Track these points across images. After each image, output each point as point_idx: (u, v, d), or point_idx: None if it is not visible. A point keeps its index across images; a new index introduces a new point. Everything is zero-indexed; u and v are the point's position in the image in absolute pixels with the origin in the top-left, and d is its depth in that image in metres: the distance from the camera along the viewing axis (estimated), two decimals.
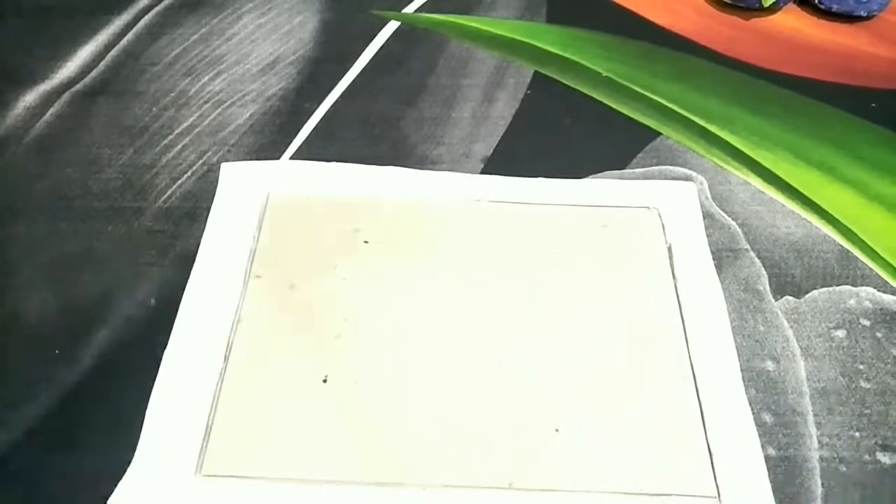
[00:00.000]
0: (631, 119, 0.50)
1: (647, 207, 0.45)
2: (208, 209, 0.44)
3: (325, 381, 0.37)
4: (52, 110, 0.51)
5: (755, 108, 0.51)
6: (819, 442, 0.37)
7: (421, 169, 0.47)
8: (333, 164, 0.47)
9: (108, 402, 0.37)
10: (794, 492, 0.35)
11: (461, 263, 0.42)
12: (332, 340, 0.39)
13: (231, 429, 0.36)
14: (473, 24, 0.57)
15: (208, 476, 0.34)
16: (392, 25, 0.57)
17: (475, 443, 0.36)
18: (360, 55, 0.55)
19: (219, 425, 0.36)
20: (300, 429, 0.36)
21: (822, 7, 0.57)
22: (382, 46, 0.56)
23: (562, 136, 0.49)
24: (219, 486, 0.34)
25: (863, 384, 0.39)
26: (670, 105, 0.51)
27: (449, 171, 0.47)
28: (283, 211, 0.44)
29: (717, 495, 0.34)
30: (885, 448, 0.36)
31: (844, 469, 0.36)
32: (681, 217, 0.45)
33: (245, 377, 0.37)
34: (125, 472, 0.34)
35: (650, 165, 0.48)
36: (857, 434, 0.37)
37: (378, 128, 0.50)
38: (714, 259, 0.43)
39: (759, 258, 0.43)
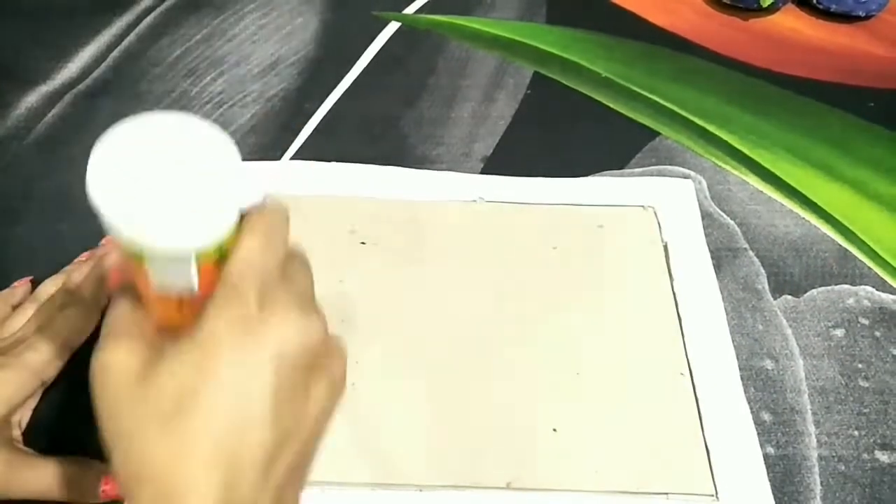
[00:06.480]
0: (630, 119, 0.51)
1: (643, 206, 0.45)
2: None
3: None
4: (53, 111, 0.51)
5: (754, 108, 0.51)
6: (818, 440, 0.37)
7: (420, 169, 0.47)
8: (333, 163, 0.47)
9: None
10: (792, 490, 0.35)
11: (457, 264, 0.42)
12: None
13: None
14: (473, 25, 0.57)
15: None
16: (392, 26, 0.57)
17: (473, 443, 0.36)
18: (360, 56, 0.55)
19: None
20: None
21: (821, 7, 0.57)
22: (383, 47, 0.56)
23: (561, 137, 0.50)
24: None
25: (861, 383, 0.39)
26: (669, 105, 0.51)
27: (448, 171, 0.47)
28: None
29: (714, 493, 0.34)
30: (883, 446, 0.37)
31: (843, 467, 0.36)
32: (678, 215, 0.45)
33: None
34: None
35: (649, 165, 0.48)
36: (856, 433, 0.37)
37: (378, 128, 0.50)
38: (713, 258, 0.43)
39: (757, 257, 0.44)
